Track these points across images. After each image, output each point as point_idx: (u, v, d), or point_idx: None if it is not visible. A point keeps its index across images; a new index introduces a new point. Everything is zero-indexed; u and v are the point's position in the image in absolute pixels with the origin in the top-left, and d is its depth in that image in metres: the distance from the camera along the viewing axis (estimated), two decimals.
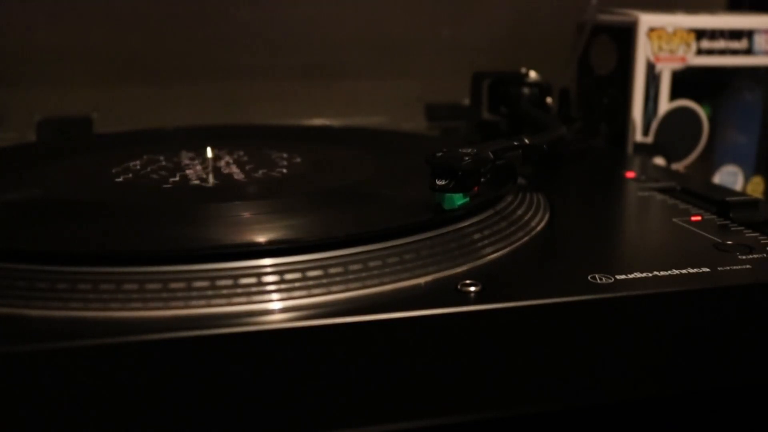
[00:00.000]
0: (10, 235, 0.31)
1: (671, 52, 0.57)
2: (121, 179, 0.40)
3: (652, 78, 0.57)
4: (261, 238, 0.30)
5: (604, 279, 0.29)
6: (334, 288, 0.27)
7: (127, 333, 0.24)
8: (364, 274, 0.28)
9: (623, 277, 0.29)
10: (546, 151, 0.40)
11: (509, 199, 0.37)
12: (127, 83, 0.67)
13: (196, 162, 0.44)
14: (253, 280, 0.27)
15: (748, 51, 0.59)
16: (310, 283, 0.27)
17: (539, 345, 0.28)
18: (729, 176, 0.62)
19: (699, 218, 0.37)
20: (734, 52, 0.59)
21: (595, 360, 0.28)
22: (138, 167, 0.43)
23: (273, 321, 0.25)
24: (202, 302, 0.26)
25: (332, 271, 0.28)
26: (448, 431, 0.28)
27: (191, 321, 0.25)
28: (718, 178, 0.61)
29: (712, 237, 0.34)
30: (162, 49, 0.67)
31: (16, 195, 0.39)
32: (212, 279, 0.27)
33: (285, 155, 0.46)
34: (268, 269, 0.27)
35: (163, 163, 0.44)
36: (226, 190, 0.38)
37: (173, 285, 0.26)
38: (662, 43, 0.57)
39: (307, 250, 0.29)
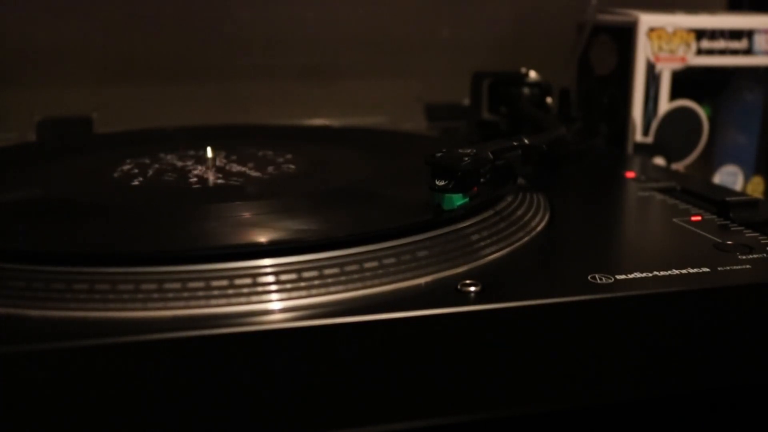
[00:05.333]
0: (11, 236, 0.31)
1: (671, 52, 0.57)
2: (121, 179, 0.40)
3: (652, 78, 0.57)
4: (261, 239, 0.30)
5: (604, 279, 0.29)
6: (335, 288, 0.27)
7: (128, 333, 0.24)
8: (364, 275, 0.28)
9: (623, 277, 0.29)
10: (545, 152, 0.40)
11: (509, 199, 0.37)
12: (127, 83, 0.67)
13: (196, 162, 0.44)
14: (253, 280, 0.27)
15: (748, 51, 0.59)
16: (311, 283, 0.27)
17: (539, 345, 0.28)
18: (729, 176, 0.62)
19: (699, 218, 0.37)
20: (734, 52, 0.59)
21: (595, 360, 0.28)
22: (138, 167, 0.43)
23: (273, 321, 0.25)
24: (202, 302, 0.26)
25: (332, 271, 0.28)
26: (448, 431, 0.28)
27: (191, 321, 0.25)
28: (718, 178, 0.61)
29: (712, 237, 0.34)
30: (162, 49, 0.67)
31: (16, 195, 0.39)
32: (212, 279, 0.27)
33: (285, 155, 0.46)
34: (268, 269, 0.27)
35: (163, 163, 0.44)
36: (226, 191, 0.38)
37: (173, 285, 0.26)
38: (662, 43, 0.57)
39: (308, 251, 0.29)
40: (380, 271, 0.28)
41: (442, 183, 0.32)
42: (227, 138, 0.53)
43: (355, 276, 0.28)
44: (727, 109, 0.60)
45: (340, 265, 0.28)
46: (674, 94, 0.58)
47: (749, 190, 0.62)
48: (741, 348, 0.30)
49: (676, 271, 0.30)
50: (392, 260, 0.29)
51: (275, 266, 0.28)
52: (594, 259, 0.32)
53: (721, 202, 0.38)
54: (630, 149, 0.58)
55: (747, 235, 0.35)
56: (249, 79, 0.69)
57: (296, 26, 0.69)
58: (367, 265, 0.29)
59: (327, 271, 0.28)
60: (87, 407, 0.24)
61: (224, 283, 0.27)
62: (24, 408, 0.23)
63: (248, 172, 0.42)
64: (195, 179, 0.40)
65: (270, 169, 0.42)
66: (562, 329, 0.28)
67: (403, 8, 0.72)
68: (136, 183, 0.40)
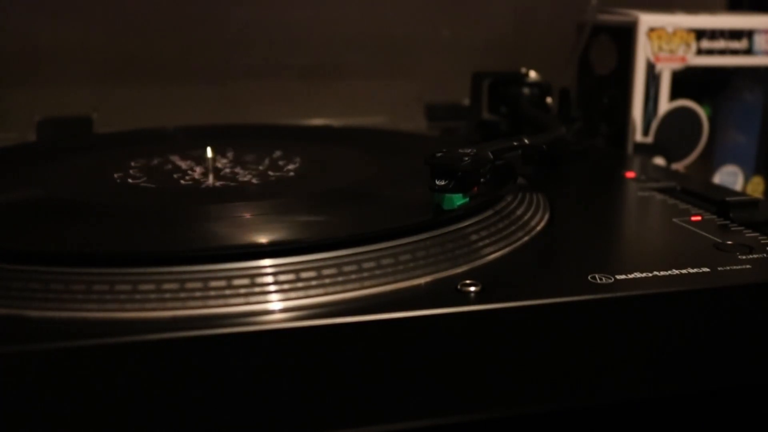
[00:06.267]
0: (11, 236, 0.31)
1: (671, 52, 0.57)
2: (121, 180, 0.40)
3: (652, 78, 0.57)
4: (261, 239, 0.30)
5: (604, 279, 0.29)
6: (335, 288, 0.27)
7: (127, 333, 0.24)
8: (364, 275, 0.28)
9: (623, 277, 0.29)
10: (545, 152, 0.40)
11: (509, 199, 0.37)
12: (127, 83, 0.67)
13: (196, 162, 0.44)
14: (253, 280, 0.27)
15: (748, 51, 0.59)
16: (310, 283, 0.27)
17: (539, 345, 0.28)
18: (729, 176, 0.62)
19: (699, 218, 0.37)
20: (734, 52, 0.59)
21: (595, 360, 0.28)
22: (138, 167, 0.43)
23: (273, 321, 0.25)
24: (202, 303, 0.26)
25: (332, 271, 0.28)
26: (448, 431, 0.28)
27: (191, 321, 0.25)
28: (718, 178, 0.61)
29: (712, 237, 0.34)
30: (162, 49, 0.67)
31: (16, 195, 0.39)
32: (212, 280, 0.27)
33: (285, 155, 0.46)
34: (269, 270, 0.27)
35: (163, 163, 0.44)
36: (226, 191, 0.38)
37: (173, 286, 0.26)
38: (662, 43, 0.57)
39: (308, 251, 0.29)
40: (380, 271, 0.28)
41: (442, 183, 0.32)
42: (227, 138, 0.53)
43: (355, 276, 0.28)
44: (727, 109, 0.60)
45: (341, 266, 0.28)
46: (674, 94, 0.58)
47: (749, 190, 0.62)
48: (741, 348, 0.30)
49: (676, 271, 0.30)
50: (392, 260, 0.29)
51: (275, 266, 0.28)
52: (594, 259, 0.32)
53: (721, 202, 0.38)
54: (630, 149, 0.58)
55: (747, 235, 0.35)
56: (249, 79, 0.69)
57: (296, 26, 0.69)
58: (367, 265, 0.29)
59: (327, 272, 0.28)
60: (87, 407, 0.24)
61: (224, 283, 0.27)
62: (24, 408, 0.23)
63: (248, 172, 0.42)
64: (195, 179, 0.40)
65: (270, 169, 0.42)
66: (562, 329, 0.28)
67: (403, 8, 0.72)
68: (136, 183, 0.40)
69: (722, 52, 0.58)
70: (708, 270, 0.30)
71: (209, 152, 0.44)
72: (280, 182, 0.40)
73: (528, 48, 0.73)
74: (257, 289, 0.27)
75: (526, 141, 0.38)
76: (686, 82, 0.58)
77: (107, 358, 0.24)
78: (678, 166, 0.60)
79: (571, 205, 0.41)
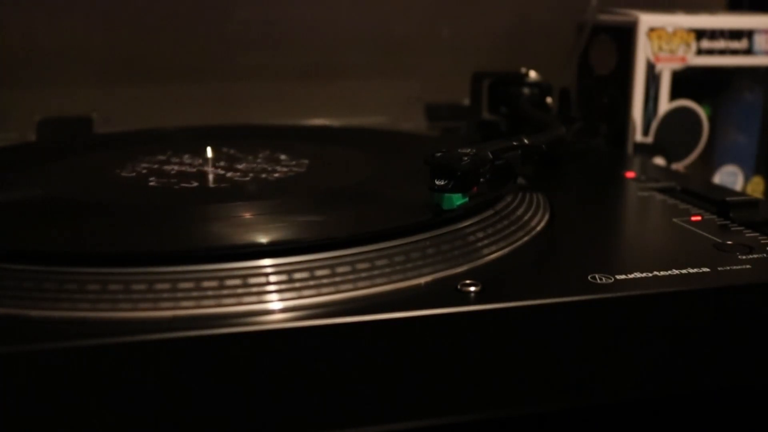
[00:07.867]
0: (11, 236, 0.31)
1: (671, 52, 0.57)
2: (121, 180, 0.40)
3: (652, 78, 0.57)
4: (261, 239, 0.30)
5: (604, 279, 0.29)
6: (334, 288, 0.27)
7: (128, 333, 0.24)
8: (363, 274, 0.28)
9: (623, 277, 0.29)
10: (545, 152, 0.40)
11: (509, 199, 0.37)
12: (127, 83, 0.67)
13: (196, 162, 0.44)
14: (252, 280, 0.27)
15: (748, 51, 0.59)
16: (310, 283, 0.27)
17: (539, 345, 0.28)
18: (729, 176, 0.62)
19: (699, 218, 0.37)
20: (734, 52, 0.59)
21: (595, 360, 0.28)
22: (138, 167, 0.43)
23: (272, 321, 0.25)
24: (203, 303, 0.26)
25: (332, 271, 0.28)
26: (448, 431, 0.28)
27: (191, 321, 0.25)
28: (718, 178, 0.61)
29: (712, 237, 0.34)
30: (162, 49, 0.67)
31: (16, 195, 0.39)
32: (211, 279, 0.27)
33: (285, 155, 0.46)
34: (268, 270, 0.27)
35: (163, 163, 0.44)
36: (226, 191, 0.38)
37: (173, 286, 0.26)
38: (662, 43, 0.57)
39: (307, 251, 0.29)
40: (379, 271, 0.28)
41: (441, 183, 0.32)
42: (227, 138, 0.53)
43: (355, 276, 0.28)
44: (727, 109, 0.60)
45: (340, 265, 0.28)
46: (674, 94, 0.58)
47: (749, 190, 0.62)
48: (741, 348, 0.30)
49: (676, 271, 0.30)
50: (392, 260, 0.29)
51: (275, 266, 0.28)
52: (594, 259, 0.32)
53: (721, 202, 0.38)
54: (630, 149, 0.58)
55: (747, 235, 0.35)
56: (249, 79, 0.69)
57: (296, 26, 0.69)
58: (367, 265, 0.29)
59: (327, 272, 0.28)
60: (87, 407, 0.24)
61: (224, 283, 0.27)
62: (24, 408, 0.23)
63: (248, 172, 0.42)
64: (195, 179, 0.40)
65: (270, 169, 0.42)
66: (562, 329, 0.28)
67: (403, 8, 0.72)
68: (135, 183, 0.40)
69: (722, 52, 0.58)
70: (708, 270, 0.30)
71: (209, 152, 0.44)
72: (280, 182, 0.40)
73: (528, 48, 0.73)
74: (256, 290, 0.27)
75: (525, 141, 0.38)
76: (686, 82, 0.58)
77: (107, 358, 0.24)
78: (678, 166, 0.60)
79: (571, 205, 0.41)
